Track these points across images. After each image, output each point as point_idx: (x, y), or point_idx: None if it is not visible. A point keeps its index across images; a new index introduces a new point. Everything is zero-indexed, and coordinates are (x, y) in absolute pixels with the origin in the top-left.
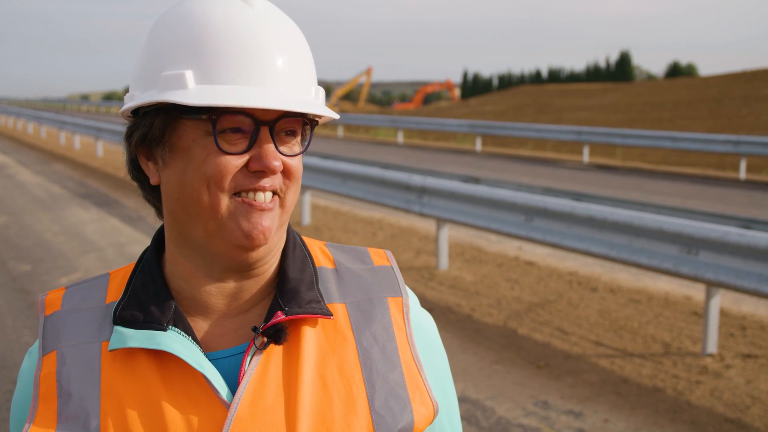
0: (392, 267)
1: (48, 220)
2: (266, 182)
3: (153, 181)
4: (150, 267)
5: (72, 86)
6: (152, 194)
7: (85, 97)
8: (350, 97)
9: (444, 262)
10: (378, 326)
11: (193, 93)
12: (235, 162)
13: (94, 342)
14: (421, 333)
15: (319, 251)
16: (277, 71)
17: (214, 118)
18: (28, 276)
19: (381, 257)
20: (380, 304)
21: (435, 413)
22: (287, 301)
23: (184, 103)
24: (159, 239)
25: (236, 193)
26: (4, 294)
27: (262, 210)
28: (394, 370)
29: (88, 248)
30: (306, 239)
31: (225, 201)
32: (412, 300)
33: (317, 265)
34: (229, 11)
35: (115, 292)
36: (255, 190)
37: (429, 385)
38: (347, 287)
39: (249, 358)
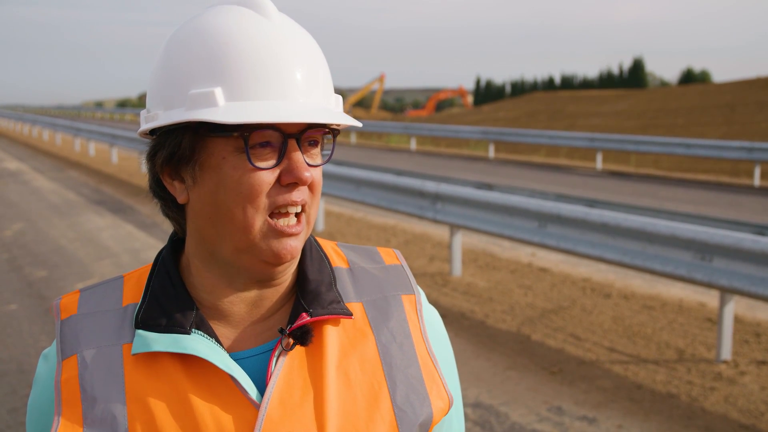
0: (402, 265)
1: (63, 226)
2: (297, 196)
3: (181, 200)
4: (168, 271)
5: (86, 93)
6: (176, 211)
7: (99, 104)
8: (363, 103)
9: (457, 268)
10: (395, 323)
11: (225, 110)
12: (268, 178)
13: (115, 345)
14: (432, 328)
15: (333, 251)
16: (299, 83)
17: (245, 134)
18: (44, 282)
19: (391, 256)
20: (395, 302)
21: (450, 405)
22: (310, 303)
23: (218, 122)
24: (174, 244)
25: (269, 215)
26: (20, 299)
27: (291, 235)
28: (412, 366)
29: (104, 254)
30: (319, 240)
31: (259, 222)
32: (423, 296)
33: (333, 265)
34: (249, 26)
35: (131, 294)
36: (287, 205)
37: (444, 378)
38: (362, 286)
39: (275, 359)
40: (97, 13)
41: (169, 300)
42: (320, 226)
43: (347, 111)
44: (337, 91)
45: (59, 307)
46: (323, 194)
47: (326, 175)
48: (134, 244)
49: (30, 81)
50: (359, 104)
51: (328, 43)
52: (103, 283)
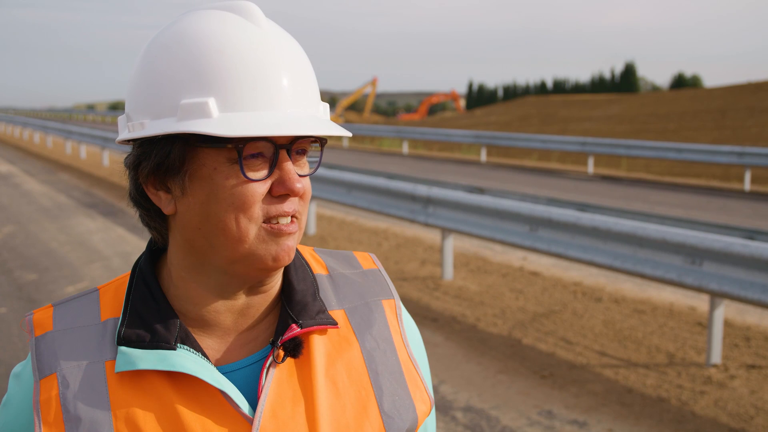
0: (380, 270)
1: (54, 229)
2: (289, 207)
3: (167, 211)
4: (148, 284)
5: (77, 96)
6: (158, 221)
7: (90, 107)
8: (355, 107)
9: (449, 272)
10: (377, 329)
11: (219, 122)
12: (261, 189)
13: (97, 362)
14: (410, 332)
15: (312, 258)
16: (290, 92)
17: (240, 146)
18: (34, 285)
19: (367, 260)
20: (376, 308)
21: (431, 408)
22: (298, 314)
23: (215, 134)
24: (152, 254)
25: (264, 221)
26: (10, 303)
27: (289, 234)
28: (396, 371)
29: (94, 257)
30: (297, 247)
31: (254, 230)
32: (401, 301)
33: (314, 272)
34: (239, 34)
35: (109, 308)
36: (282, 216)
37: (425, 381)
38: (343, 293)
39: (265, 371)
40: (90, 15)
41: (151, 314)
42: (312, 230)
43: (340, 114)
44: (330, 94)
45: (32, 323)
46: (314, 198)
47: (318, 179)
48: (125, 247)
49: (21, 83)
50: (352, 108)
51: (320, 46)
52: (78, 297)
